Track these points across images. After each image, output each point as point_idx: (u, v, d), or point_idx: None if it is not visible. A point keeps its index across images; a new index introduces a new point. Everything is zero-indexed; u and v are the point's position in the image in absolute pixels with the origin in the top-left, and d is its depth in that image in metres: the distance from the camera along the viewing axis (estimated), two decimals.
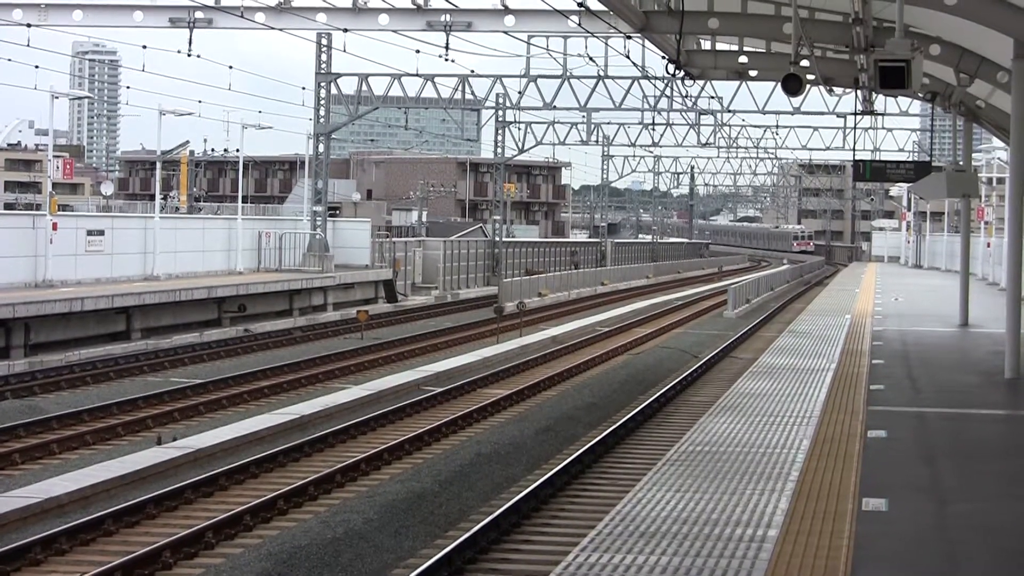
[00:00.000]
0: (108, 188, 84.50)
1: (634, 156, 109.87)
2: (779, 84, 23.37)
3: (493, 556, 16.93)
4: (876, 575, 10.86)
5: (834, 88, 36.09)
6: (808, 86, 30.74)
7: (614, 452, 24.36)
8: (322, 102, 57.87)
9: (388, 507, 19.01)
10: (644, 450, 24.52)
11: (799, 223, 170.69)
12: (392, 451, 23.52)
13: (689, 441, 16.83)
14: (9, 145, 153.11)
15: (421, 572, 15.37)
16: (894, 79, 18.09)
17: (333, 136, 60.22)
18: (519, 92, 63.62)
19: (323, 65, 57.39)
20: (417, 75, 55.73)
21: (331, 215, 63.71)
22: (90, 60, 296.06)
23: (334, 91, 58.19)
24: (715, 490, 13.86)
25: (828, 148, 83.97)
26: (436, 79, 57.92)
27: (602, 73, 59.08)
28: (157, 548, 16.40)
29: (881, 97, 50.99)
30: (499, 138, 76.38)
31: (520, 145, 77.95)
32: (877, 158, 73.46)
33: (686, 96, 63.19)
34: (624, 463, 23.30)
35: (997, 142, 58.71)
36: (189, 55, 38.73)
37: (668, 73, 32.42)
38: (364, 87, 58.58)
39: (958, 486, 14.62)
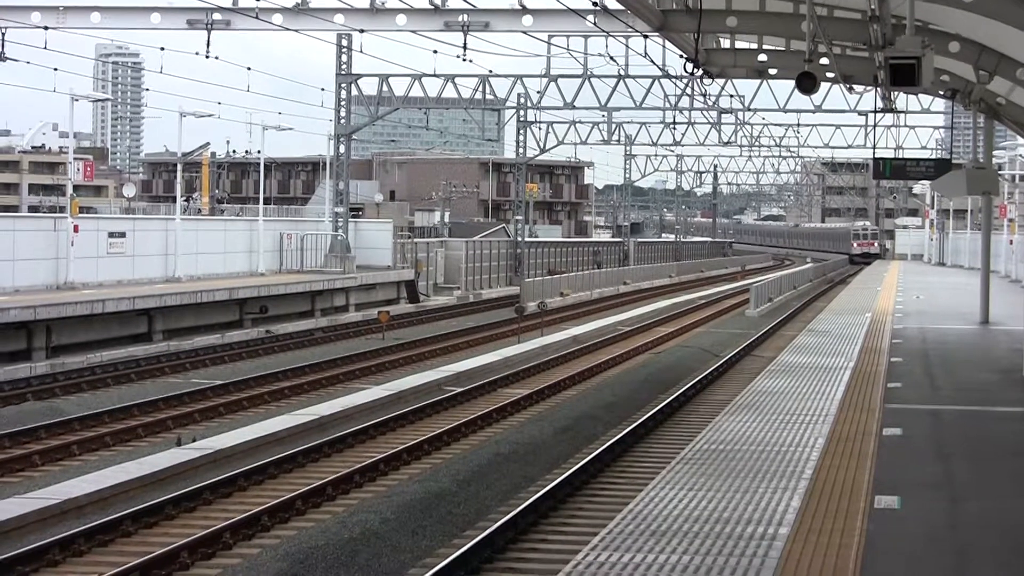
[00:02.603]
0: (130, 190, 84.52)
1: (656, 155, 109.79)
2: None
3: (510, 555, 16.95)
4: (886, 573, 10.86)
5: (854, 86, 36.00)
6: (825, 84, 30.73)
7: (633, 451, 24.36)
8: (343, 103, 57.96)
9: (406, 507, 19.05)
10: (662, 449, 24.50)
11: (823, 222, 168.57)
12: (411, 451, 23.56)
13: (704, 440, 16.84)
14: (33, 148, 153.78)
15: (437, 571, 15.39)
16: (905, 76, 18.04)
17: (356, 137, 60.32)
18: (538, 92, 63.62)
19: (343, 66, 57.47)
20: (436, 75, 55.79)
21: (354, 216, 63.82)
22: (113, 63, 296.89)
23: (355, 92, 58.24)
24: (728, 488, 13.87)
25: (850, 146, 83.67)
26: (456, 79, 57.97)
27: (622, 72, 58.98)
28: (174, 549, 16.46)
29: (903, 95, 50.89)
30: (520, 138, 76.38)
31: (541, 145, 77.95)
32: (898, 156, 73.33)
33: (706, 95, 63.12)
34: (642, 462, 23.29)
35: (1021, 139, 58.57)
36: (207, 57, 38.79)
37: (687, 72, 32.34)
38: (385, 88, 58.64)
39: (972, 484, 14.60)
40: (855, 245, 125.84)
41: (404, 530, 17.98)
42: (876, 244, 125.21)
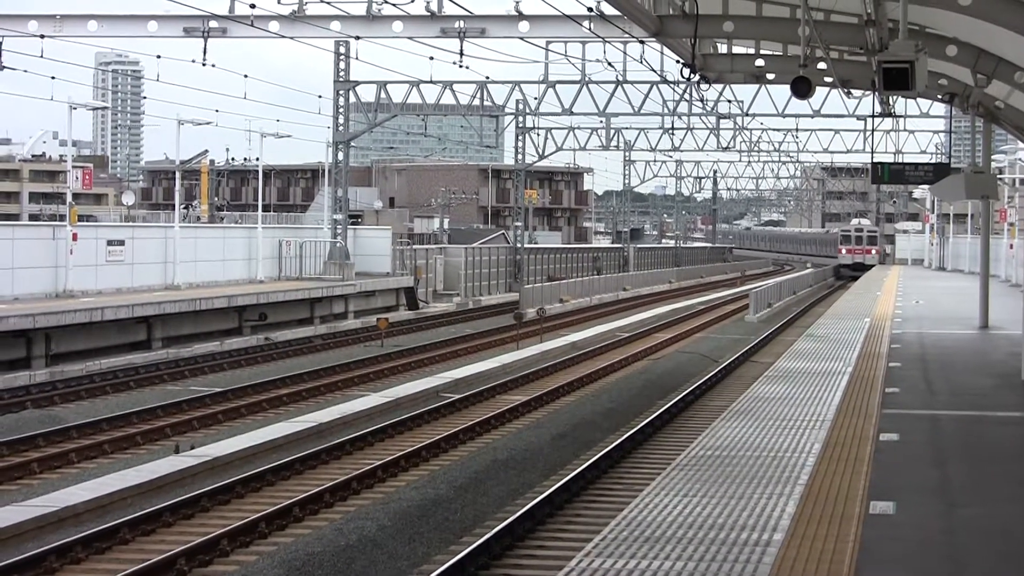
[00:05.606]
0: (129, 198, 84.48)
1: (655, 161, 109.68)
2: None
3: (507, 562, 16.94)
4: None
5: (852, 90, 35.99)
6: (820, 88, 30.71)
7: (630, 457, 24.35)
8: (341, 110, 57.98)
9: (403, 514, 19.04)
10: (660, 455, 24.48)
11: (823, 226, 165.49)
12: (409, 458, 23.55)
13: (700, 446, 16.83)
14: (34, 156, 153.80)
15: None
16: (898, 80, 18.02)
17: (355, 144, 60.28)
18: (536, 98, 63.60)
19: (341, 73, 57.51)
20: (434, 82, 55.82)
21: (352, 223, 63.80)
22: (113, 71, 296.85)
23: (353, 99, 58.27)
24: (723, 494, 13.85)
25: (849, 151, 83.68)
26: (454, 86, 58.02)
27: (620, 78, 58.96)
28: (172, 556, 16.47)
29: (901, 99, 50.91)
30: (519, 144, 76.38)
31: (540, 151, 77.90)
32: (897, 160, 73.31)
33: (704, 100, 63.11)
34: (640, 468, 23.29)
35: (1020, 143, 58.51)
36: (204, 64, 38.77)
37: (684, 77, 32.35)
38: (383, 95, 58.68)
39: (968, 489, 14.58)
40: (844, 251, 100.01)
41: (401, 537, 17.97)
42: (875, 251, 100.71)
